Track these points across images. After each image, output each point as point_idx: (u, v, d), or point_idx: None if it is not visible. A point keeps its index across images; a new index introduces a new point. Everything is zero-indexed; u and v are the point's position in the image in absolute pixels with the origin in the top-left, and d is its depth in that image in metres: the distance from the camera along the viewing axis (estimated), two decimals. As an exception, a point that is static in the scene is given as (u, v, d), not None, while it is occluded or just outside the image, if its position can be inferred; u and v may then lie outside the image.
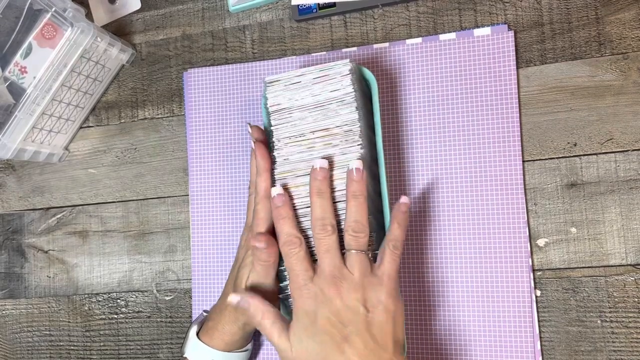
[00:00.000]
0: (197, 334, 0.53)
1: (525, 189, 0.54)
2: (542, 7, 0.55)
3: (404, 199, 0.47)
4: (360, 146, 0.46)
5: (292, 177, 0.47)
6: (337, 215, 0.46)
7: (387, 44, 0.58)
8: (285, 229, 0.46)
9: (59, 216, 0.67)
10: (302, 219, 0.47)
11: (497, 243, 0.53)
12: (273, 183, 0.48)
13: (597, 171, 0.52)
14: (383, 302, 0.44)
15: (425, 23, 0.58)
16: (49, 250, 0.67)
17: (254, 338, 0.58)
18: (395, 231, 0.46)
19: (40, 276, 0.67)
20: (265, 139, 0.50)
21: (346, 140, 0.46)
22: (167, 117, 0.64)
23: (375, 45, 0.58)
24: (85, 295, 0.65)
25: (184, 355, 0.53)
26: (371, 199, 0.47)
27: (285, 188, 0.47)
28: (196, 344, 0.52)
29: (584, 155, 0.53)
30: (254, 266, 0.49)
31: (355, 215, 0.45)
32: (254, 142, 0.49)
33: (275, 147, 0.48)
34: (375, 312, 0.44)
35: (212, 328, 0.52)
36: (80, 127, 0.67)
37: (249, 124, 0.51)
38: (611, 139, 0.52)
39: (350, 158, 0.46)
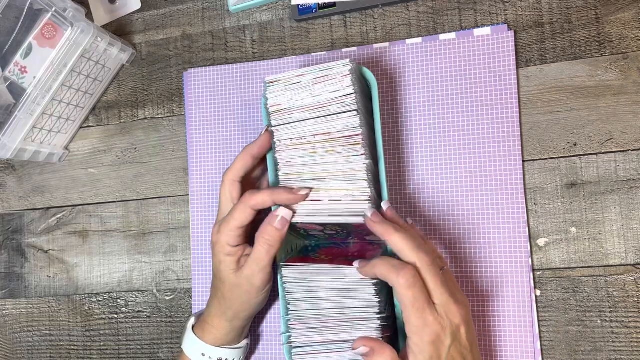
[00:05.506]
0: (194, 327, 0.53)
1: (525, 189, 0.54)
2: (542, 7, 0.55)
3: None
4: (364, 157, 0.45)
5: (297, 181, 0.47)
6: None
7: (387, 44, 0.58)
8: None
9: (59, 216, 0.67)
10: (304, 224, 0.47)
11: (497, 243, 0.53)
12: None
13: (597, 171, 0.52)
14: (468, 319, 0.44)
15: (425, 23, 0.58)
16: (49, 250, 0.67)
17: (252, 336, 0.58)
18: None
19: (40, 276, 0.67)
20: (268, 144, 0.49)
21: (349, 148, 0.46)
22: (167, 117, 0.64)
23: (375, 45, 0.58)
24: (85, 295, 0.65)
25: (181, 347, 0.53)
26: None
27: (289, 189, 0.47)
28: (190, 337, 0.53)
29: (584, 155, 0.53)
30: (257, 247, 0.47)
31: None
32: (266, 129, 0.49)
33: (277, 149, 0.47)
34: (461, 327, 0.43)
35: (203, 321, 0.52)
36: (81, 127, 0.67)
37: (268, 127, 0.49)
38: (611, 139, 0.52)
39: (355, 168, 0.45)
